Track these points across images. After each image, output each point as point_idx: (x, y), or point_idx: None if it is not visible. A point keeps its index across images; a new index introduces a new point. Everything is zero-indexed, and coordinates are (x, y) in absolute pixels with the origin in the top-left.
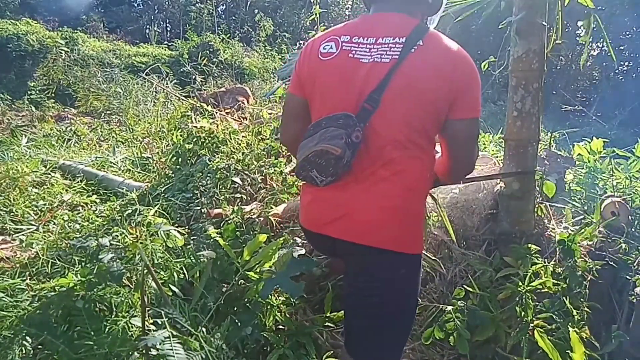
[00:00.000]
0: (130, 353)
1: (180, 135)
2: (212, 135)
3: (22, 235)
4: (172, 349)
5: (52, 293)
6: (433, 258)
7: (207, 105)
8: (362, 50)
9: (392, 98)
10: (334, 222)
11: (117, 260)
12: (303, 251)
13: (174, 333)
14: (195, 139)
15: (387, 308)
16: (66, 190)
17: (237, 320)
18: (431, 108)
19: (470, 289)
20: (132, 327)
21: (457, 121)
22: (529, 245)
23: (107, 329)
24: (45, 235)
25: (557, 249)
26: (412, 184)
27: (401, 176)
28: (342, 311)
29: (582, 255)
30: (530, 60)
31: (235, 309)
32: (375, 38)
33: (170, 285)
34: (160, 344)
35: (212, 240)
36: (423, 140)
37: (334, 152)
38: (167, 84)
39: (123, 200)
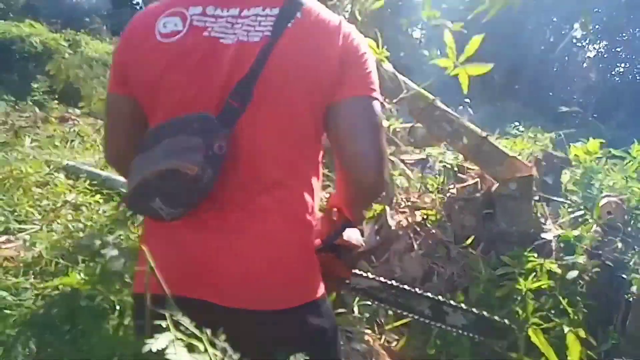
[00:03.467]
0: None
1: None
2: None
3: (26, 234)
4: (175, 353)
5: (56, 292)
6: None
7: None
8: (222, 26)
9: (269, 91)
10: (197, 279)
11: (121, 259)
12: None
13: (178, 336)
14: None
15: None
16: (70, 190)
17: None
18: (321, 101)
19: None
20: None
21: (347, 100)
22: (526, 244)
23: (110, 330)
24: (49, 235)
25: (554, 248)
26: (305, 216)
27: (291, 206)
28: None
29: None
30: None
31: None
32: (238, 8)
33: None
34: (164, 348)
35: None
36: (315, 150)
37: (188, 172)
38: None
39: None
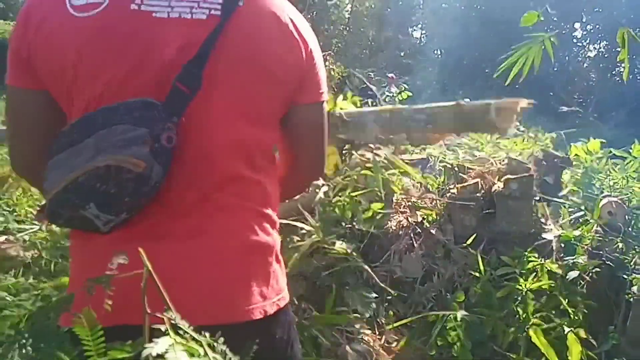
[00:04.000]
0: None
1: None
2: None
3: (26, 234)
4: (175, 357)
5: (55, 293)
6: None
7: None
8: None
9: (220, 75)
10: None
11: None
12: None
13: (177, 340)
14: None
15: None
16: None
17: None
18: (279, 89)
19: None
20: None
21: (306, 106)
22: (527, 244)
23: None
24: (48, 235)
25: (555, 248)
26: (267, 211)
27: (256, 202)
28: (344, 312)
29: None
30: None
31: None
32: None
33: None
34: (163, 352)
35: None
36: (272, 140)
37: (132, 168)
38: None
39: None
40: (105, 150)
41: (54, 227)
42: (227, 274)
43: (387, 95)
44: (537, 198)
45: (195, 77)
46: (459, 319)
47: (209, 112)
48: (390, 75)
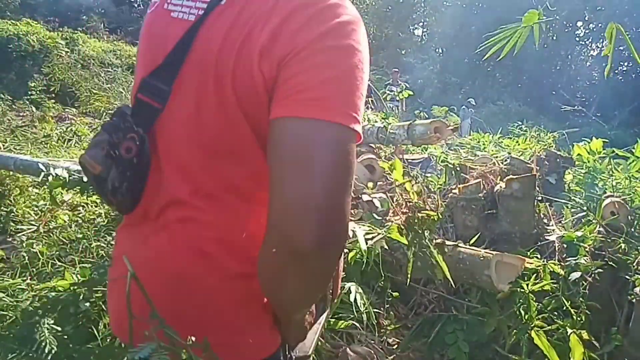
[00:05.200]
0: None
1: None
2: None
3: (23, 235)
4: None
5: (52, 293)
6: None
7: None
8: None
9: (186, 85)
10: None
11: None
12: None
13: (162, 344)
14: None
15: None
16: (67, 190)
17: None
18: (248, 105)
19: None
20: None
21: (286, 121)
22: (529, 245)
23: (96, 338)
24: (45, 235)
25: (557, 248)
26: (208, 246)
27: (194, 230)
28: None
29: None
30: None
31: None
32: None
33: None
34: (147, 356)
35: None
36: (237, 172)
37: (90, 169)
38: None
39: None
40: (87, 148)
41: (51, 226)
42: (160, 288)
43: (388, 94)
44: (539, 198)
45: (157, 89)
46: (460, 321)
47: (171, 128)
48: (394, 70)
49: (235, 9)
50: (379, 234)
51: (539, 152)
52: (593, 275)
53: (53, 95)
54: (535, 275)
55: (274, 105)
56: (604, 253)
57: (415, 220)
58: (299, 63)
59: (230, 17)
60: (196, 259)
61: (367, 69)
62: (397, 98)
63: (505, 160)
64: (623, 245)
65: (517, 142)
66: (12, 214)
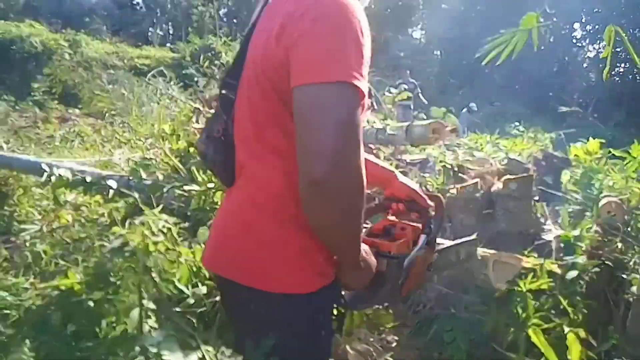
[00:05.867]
0: (128, 353)
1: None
2: None
3: (26, 234)
4: (169, 349)
5: (56, 292)
6: None
7: (210, 108)
8: None
9: (243, 79)
10: (214, 251)
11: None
12: None
13: (171, 333)
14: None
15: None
16: (70, 190)
17: None
18: (268, 83)
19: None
20: (130, 328)
21: (297, 89)
22: (526, 244)
23: (106, 330)
24: (49, 235)
25: (554, 248)
26: (259, 198)
27: (251, 186)
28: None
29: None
30: None
31: None
32: None
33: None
34: (157, 344)
35: None
36: (276, 136)
37: (199, 148)
38: (171, 86)
39: (127, 201)
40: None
41: (54, 226)
42: (226, 235)
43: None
44: (537, 198)
45: (230, 84)
46: (458, 319)
47: (237, 112)
48: (405, 69)
49: (274, 6)
50: None
51: (536, 153)
52: (590, 274)
53: (56, 96)
54: (532, 274)
55: (290, 79)
56: (601, 252)
57: None
58: (301, 42)
59: (268, 14)
60: (251, 209)
61: (366, 37)
62: (396, 100)
63: (503, 161)
64: (620, 245)
65: (514, 142)
66: (16, 213)
